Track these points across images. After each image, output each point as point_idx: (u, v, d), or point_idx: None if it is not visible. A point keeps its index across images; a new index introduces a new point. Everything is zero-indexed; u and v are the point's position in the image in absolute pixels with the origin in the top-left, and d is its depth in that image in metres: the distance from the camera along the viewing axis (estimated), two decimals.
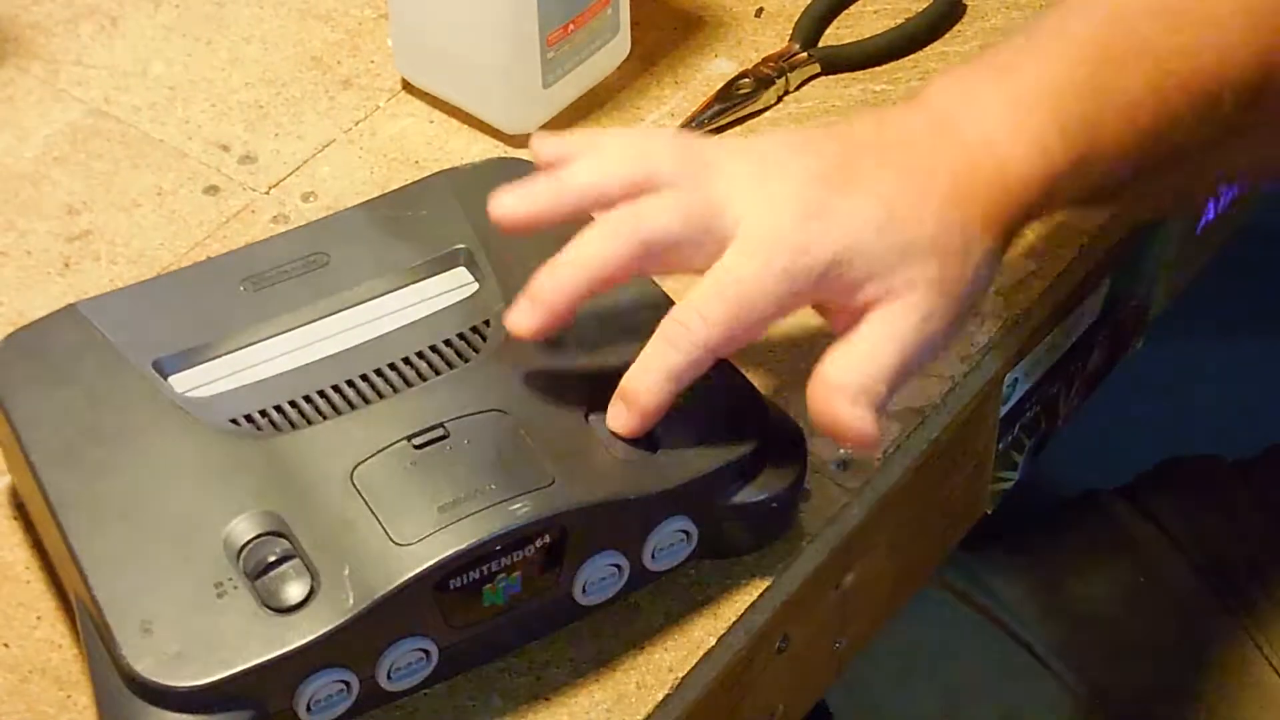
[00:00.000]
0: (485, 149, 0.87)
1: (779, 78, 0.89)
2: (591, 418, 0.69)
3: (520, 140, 0.87)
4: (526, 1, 0.83)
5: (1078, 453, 1.09)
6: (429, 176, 0.79)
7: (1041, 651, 0.99)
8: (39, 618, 0.71)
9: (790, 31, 0.91)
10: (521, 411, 0.69)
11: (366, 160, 0.86)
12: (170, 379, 0.71)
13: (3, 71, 0.90)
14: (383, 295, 0.74)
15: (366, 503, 0.66)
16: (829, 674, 0.80)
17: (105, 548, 0.66)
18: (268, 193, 0.85)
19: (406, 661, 0.66)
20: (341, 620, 0.64)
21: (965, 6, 0.92)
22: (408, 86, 0.89)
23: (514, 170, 0.79)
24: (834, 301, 0.68)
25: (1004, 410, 0.84)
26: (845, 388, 0.66)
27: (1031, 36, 0.71)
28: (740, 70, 0.89)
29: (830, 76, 0.90)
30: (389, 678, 0.66)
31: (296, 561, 0.65)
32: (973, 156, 0.69)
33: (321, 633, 0.64)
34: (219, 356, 0.72)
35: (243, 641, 0.64)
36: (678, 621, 0.70)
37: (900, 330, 0.67)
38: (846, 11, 0.92)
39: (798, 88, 0.89)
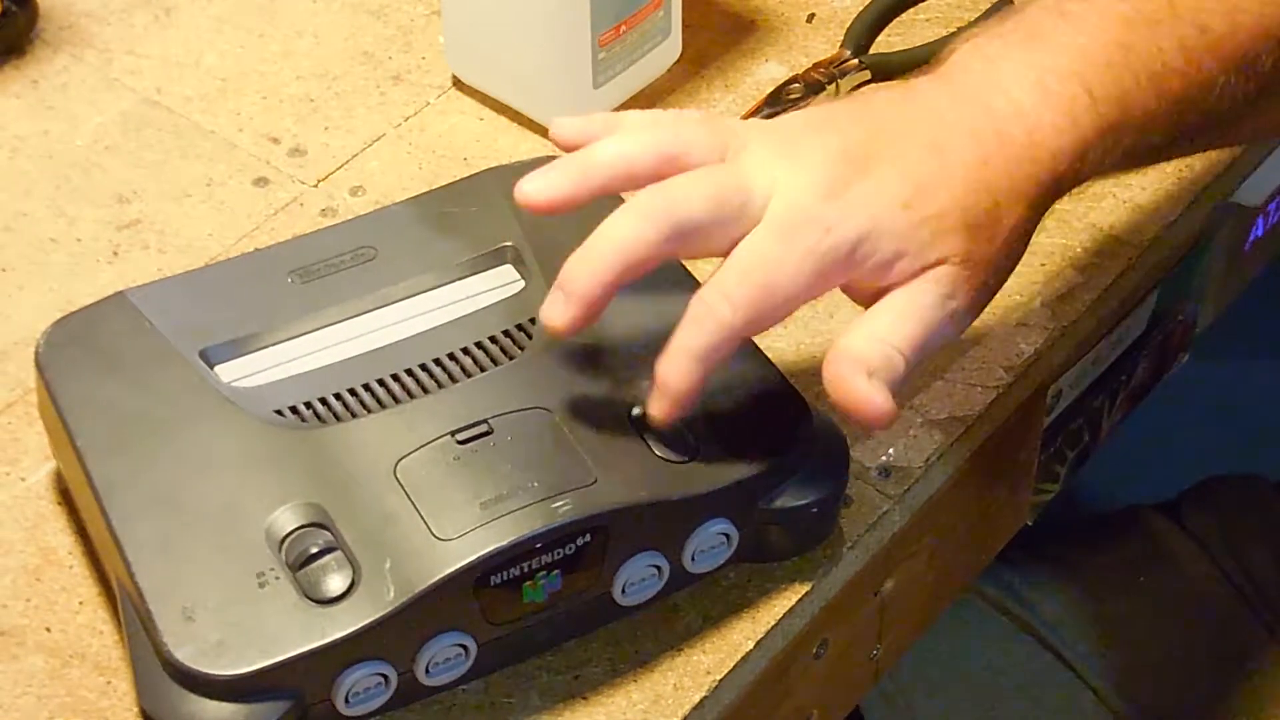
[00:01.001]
0: (534, 148, 0.87)
1: (829, 84, 0.88)
2: (634, 417, 0.69)
3: None
4: (579, 1, 0.83)
5: (1119, 466, 1.08)
6: (478, 173, 0.79)
7: (1078, 665, 0.98)
8: (81, 603, 0.71)
9: (841, 38, 0.91)
10: (565, 409, 0.69)
11: (415, 156, 0.87)
12: (217, 368, 0.71)
13: (57, 59, 0.91)
14: (429, 290, 0.74)
15: (409, 497, 0.66)
16: (865, 681, 0.80)
17: (149, 535, 0.66)
18: (316, 186, 0.86)
19: (445, 657, 0.66)
20: (381, 614, 0.64)
21: None
22: (458, 84, 0.89)
23: None
24: (863, 282, 0.67)
25: (1047, 422, 0.83)
26: (861, 360, 0.64)
27: (1056, 3, 0.69)
28: (790, 75, 0.89)
29: (881, 84, 0.89)
30: (427, 672, 0.66)
31: (338, 554, 0.65)
32: (1001, 126, 0.67)
33: (361, 625, 0.64)
34: (265, 347, 0.72)
35: (283, 632, 0.64)
36: (716, 624, 0.70)
37: (922, 305, 0.65)
38: (898, 19, 0.92)
39: (848, 94, 0.89)
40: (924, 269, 0.66)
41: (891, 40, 0.91)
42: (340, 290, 0.73)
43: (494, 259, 0.75)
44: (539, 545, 0.66)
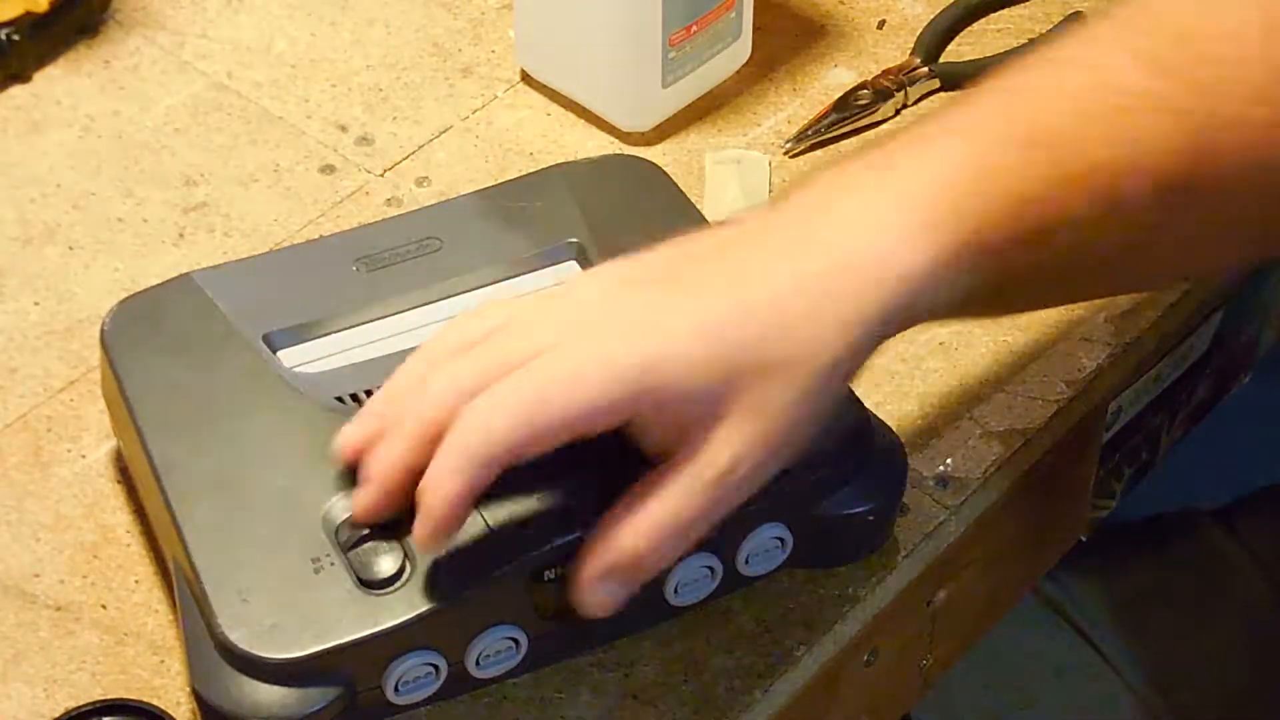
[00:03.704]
0: (600, 145, 0.87)
1: (898, 91, 0.88)
2: None
3: (636, 138, 0.87)
4: (651, 1, 0.83)
5: (1174, 471, 1.08)
6: (545, 169, 0.79)
7: (1118, 662, 0.98)
8: (137, 581, 0.72)
9: (912, 45, 0.90)
10: None
11: (482, 149, 0.87)
12: (279, 353, 0.71)
13: (129, 40, 0.91)
14: (493, 284, 0.74)
15: None
16: (915, 690, 0.80)
17: (207, 517, 0.66)
18: (382, 175, 0.86)
19: (496, 649, 0.67)
20: (435, 604, 0.64)
21: None
22: (527, 78, 0.89)
23: (631, 168, 0.79)
24: (651, 424, 0.62)
25: (1106, 438, 0.83)
26: (607, 554, 0.62)
27: (930, 124, 0.64)
28: (859, 81, 0.89)
29: (949, 93, 0.89)
30: (478, 664, 0.67)
31: (393, 542, 0.65)
32: (828, 255, 0.61)
33: (414, 615, 0.64)
34: (328, 334, 0.72)
35: (337, 618, 0.64)
36: (768, 628, 0.70)
37: (691, 487, 0.61)
38: (969, 28, 0.92)
39: (916, 102, 0.89)
40: (708, 421, 0.61)
41: (962, 49, 0.91)
42: (404, 280, 0.74)
43: (558, 255, 0.75)
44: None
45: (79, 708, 0.67)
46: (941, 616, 0.78)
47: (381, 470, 0.64)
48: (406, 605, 0.64)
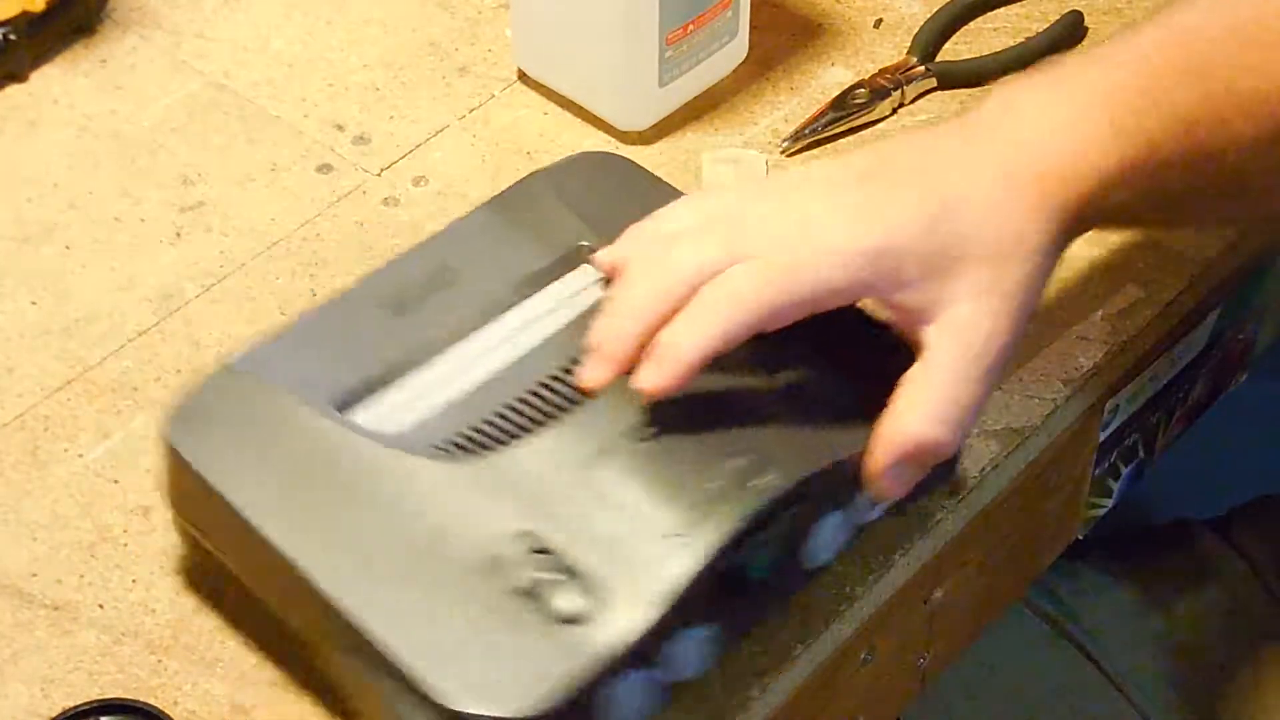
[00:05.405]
0: (597, 143, 0.87)
1: (895, 90, 0.88)
2: (776, 383, 0.69)
3: (633, 137, 0.87)
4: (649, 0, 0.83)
5: (1170, 479, 1.08)
6: (521, 181, 0.77)
7: (1118, 676, 0.98)
8: (134, 581, 0.72)
9: (908, 44, 0.90)
10: (711, 386, 0.68)
11: (479, 148, 0.87)
12: (357, 417, 0.69)
13: (126, 39, 0.91)
14: (524, 301, 0.73)
15: (620, 503, 0.65)
16: (911, 689, 0.80)
17: (374, 594, 0.64)
18: (379, 175, 0.86)
19: (698, 647, 0.66)
20: (644, 620, 0.63)
21: (1086, 29, 0.91)
22: (523, 77, 0.89)
23: (601, 164, 0.79)
24: (891, 301, 0.67)
25: (1103, 436, 0.83)
26: (905, 443, 0.66)
27: (1091, 54, 0.70)
28: (856, 80, 0.89)
29: (946, 91, 0.89)
30: (678, 667, 0.65)
31: (573, 572, 0.64)
32: (1025, 151, 0.67)
33: (627, 636, 0.63)
34: (391, 387, 0.70)
35: (551, 660, 0.62)
36: (766, 627, 0.70)
37: (970, 355, 0.66)
38: (966, 27, 0.92)
39: (913, 101, 0.89)
40: (951, 299, 0.66)
41: (958, 48, 0.91)
42: (437, 316, 0.72)
43: (572, 260, 0.74)
44: (762, 519, 0.65)
45: (76, 707, 0.67)
46: (939, 614, 0.78)
47: (614, 335, 0.67)
48: (615, 629, 0.63)
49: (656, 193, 0.77)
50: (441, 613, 0.63)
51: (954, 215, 0.66)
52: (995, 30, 0.92)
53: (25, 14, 0.88)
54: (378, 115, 0.88)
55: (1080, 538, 0.87)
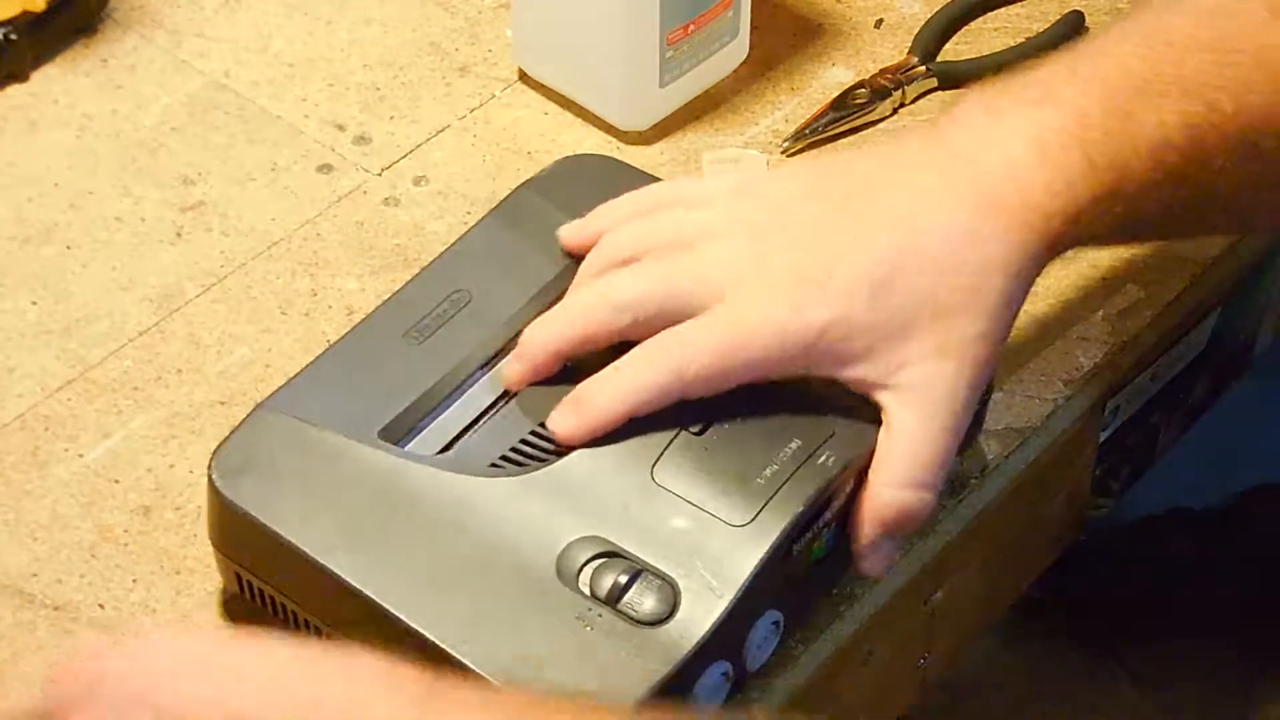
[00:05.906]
0: (597, 143, 0.87)
1: (895, 90, 0.88)
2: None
3: (633, 137, 0.87)
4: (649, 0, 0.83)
5: (1171, 472, 1.08)
6: (514, 194, 0.77)
7: (1120, 670, 0.98)
8: (135, 581, 0.72)
9: (909, 44, 0.90)
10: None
11: (479, 148, 0.87)
12: (404, 446, 0.69)
13: (126, 39, 0.91)
14: (541, 312, 0.72)
15: (684, 499, 0.66)
16: (911, 690, 0.80)
17: (449, 616, 0.64)
18: (380, 174, 0.86)
19: (765, 635, 0.67)
20: (721, 612, 0.64)
21: (1087, 29, 0.91)
22: (524, 77, 0.89)
23: (587, 166, 0.79)
24: (839, 376, 0.67)
25: (1104, 436, 0.83)
26: (882, 520, 0.67)
27: (1069, 62, 0.69)
28: (857, 80, 0.89)
29: (947, 91, 0.89)
30: (754, 656, 0.67)
31: (645, 573, 0.64)
32: (995, 185, 0.67)
33: (707, 630, 0.63)
34: (431, 413, 0.70)
35: (633, 663, 0.63)
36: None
37: (928, 416, 0.66)
38: (967, 27, 0.92)
39: (914, 100, 0.89)
40: (904, 366, 0.66)
41: (959, 48, 0.91)
42: (461, 339, 0.72)
43: (576, 267, 0.74)
44: (823, 501, 0.66)
45: None
46: (939, 615, 0.78)
47: (539, 342, 0.69)
48: (693, 625, 0.63)
49: (643, 186, 0.77)
50: (522, 628, 0.64)
51: (912, 263, 0.66)
52: (996, 30, 0.92)
53: (26, 14, 0.88)
54: (378, 115, 0.88)
55: (1081, 538, 0.87)
